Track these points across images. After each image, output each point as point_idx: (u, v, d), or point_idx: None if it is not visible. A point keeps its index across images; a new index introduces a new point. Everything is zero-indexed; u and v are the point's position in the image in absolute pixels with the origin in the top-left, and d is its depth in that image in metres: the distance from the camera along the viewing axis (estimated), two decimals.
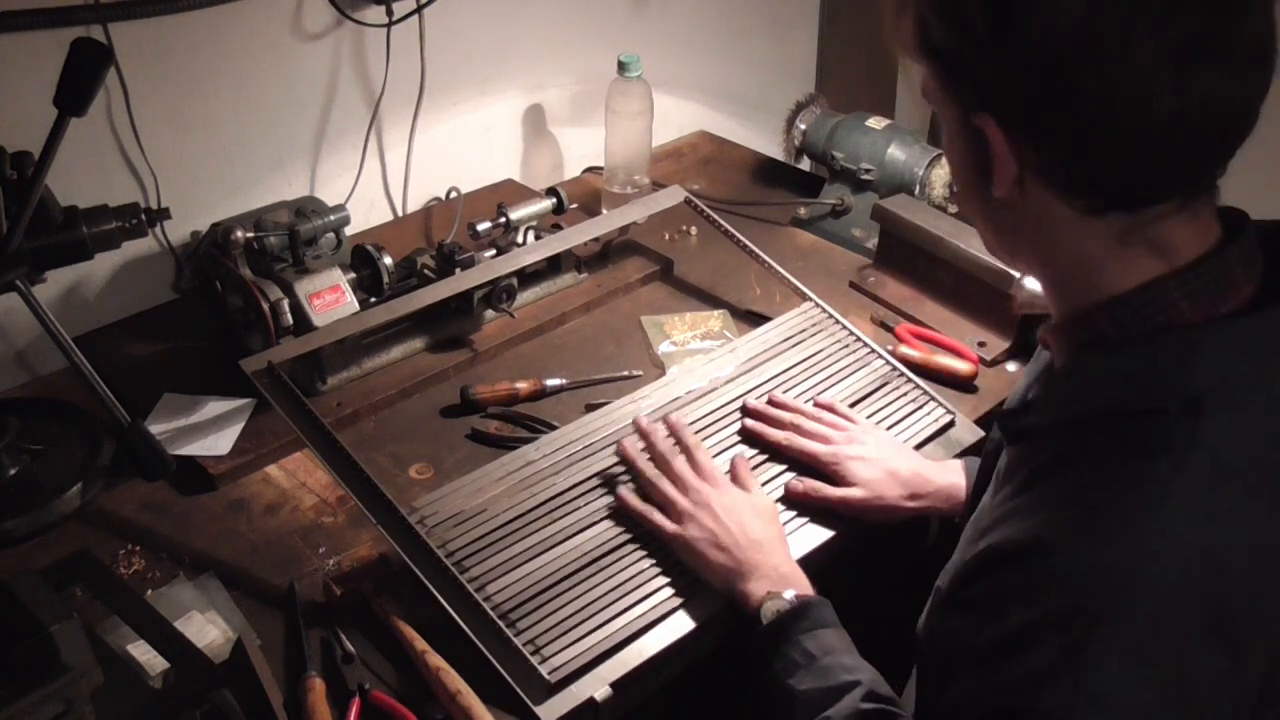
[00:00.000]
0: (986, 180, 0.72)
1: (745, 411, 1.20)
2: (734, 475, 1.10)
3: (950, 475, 1.11)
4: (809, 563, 1.04)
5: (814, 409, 1.20)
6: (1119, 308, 0.71)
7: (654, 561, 1.04)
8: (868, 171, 1.61)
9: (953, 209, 1.55)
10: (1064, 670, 0.65)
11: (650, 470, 1.09)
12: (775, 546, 1.01)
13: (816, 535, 1.10)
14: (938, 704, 0.74)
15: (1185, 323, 0.70)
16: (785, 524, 1.08)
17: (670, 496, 1.05)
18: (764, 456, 1.16)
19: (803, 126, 1.70)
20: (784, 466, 1.15)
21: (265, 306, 1.22)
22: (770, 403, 1.21)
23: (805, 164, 1.81)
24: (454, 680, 0.92)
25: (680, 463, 1.08)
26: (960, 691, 0.71)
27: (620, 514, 1.08)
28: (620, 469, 1.13)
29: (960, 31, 0.67)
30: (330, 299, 1.26)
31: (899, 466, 1.11)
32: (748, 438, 1.18)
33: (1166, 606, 0.64)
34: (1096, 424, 0.71)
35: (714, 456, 1.13)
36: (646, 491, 1.08)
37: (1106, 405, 0.71)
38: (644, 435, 1.12)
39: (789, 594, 0.95)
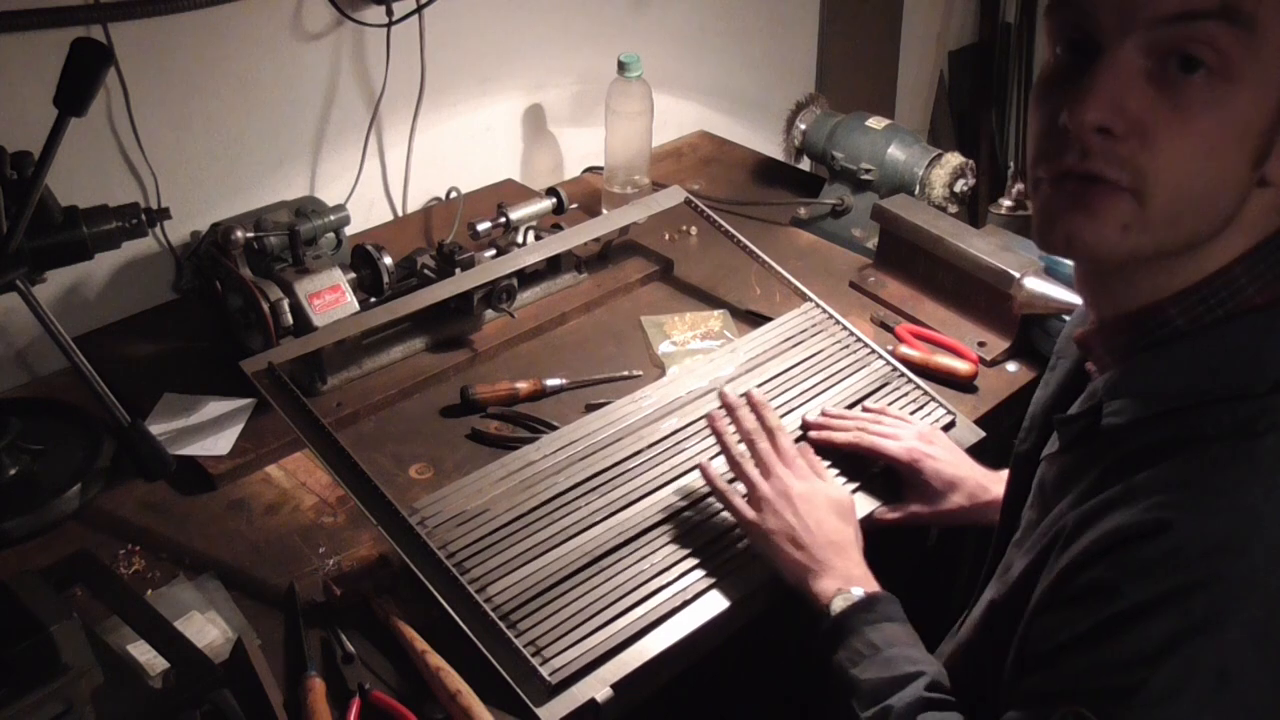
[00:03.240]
0: (1263, 158, 0.67)
1: (805, 427, 1.19)
2: (809, 464, 1.09)
3: (1002, 486, 1.10)
4: None
5: (868, 415, 1.20)
6: (1191, 298, 0.71)
7: (655, 562, 1.04)
8: (868, 171, 1.61)
9: (952, 209, 1.55)
10: (1183, 645, 0.64)
11: (736, 449, 1.08)
12: (850, 547, 1.00)
13: None
14: (1019, 690, 0.73)
15: (1253, 307, 0.70)
16: None
17: (753, 480, 1.04)
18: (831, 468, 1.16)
19: (803, 126, 1.70)
20: (852, 480, 1.15)
21: (265, 306, 1.22)
22: (823, 414, 1.20)
23: (805, 164, 1.81)
24: (454, 680, 0.92)
25: (765, 445, 1.07)
26: (1054, 675, 0.70)
27: (621, 514, 1.08)
28: (616, 472, 1.13)
29: None
30: (330, 299, 1.26)
31: (964, 476, 1.10)
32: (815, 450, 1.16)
33: None
34: (1179, 415, 0.70)
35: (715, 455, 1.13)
36: (731, 466, 1.08)
37: (1189, 395, 0.70)
38: (730, 409, 1.11)
39: (857, 590, 0.95)
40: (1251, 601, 0.64)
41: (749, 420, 1.09)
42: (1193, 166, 0.66)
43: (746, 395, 1.13)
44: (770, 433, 1.08)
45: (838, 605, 0.94)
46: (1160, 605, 0.65)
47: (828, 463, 1.15)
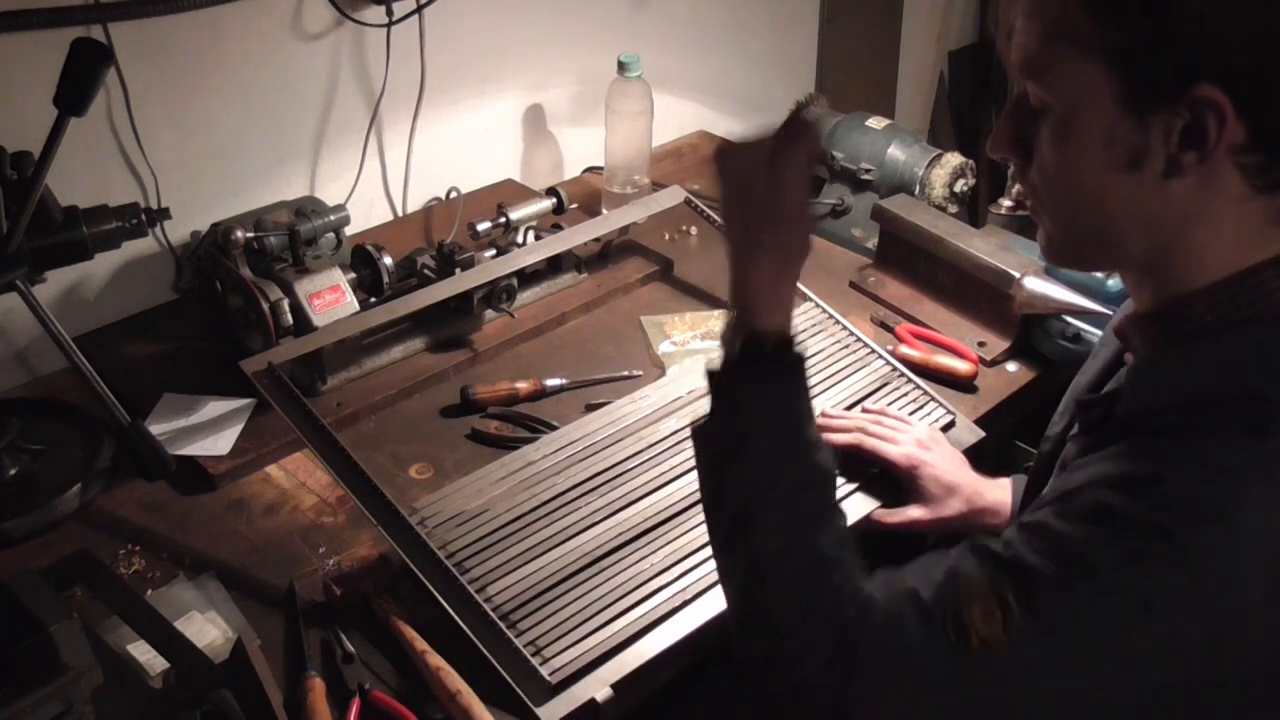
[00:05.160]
0: (1137, 166, 0.69)
1: None
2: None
3: (998, 492, 1.11)
4: None
5: (868, 416, 1.20)
6: (1220, 295, 0.72)
7: (656, 562, 1.04)
8: (868, 171, 1.61)
9: (952, 209, 1.55)
10: (1125, 567, 0.67)
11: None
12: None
13: None
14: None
15: None
16: None
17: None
18: None
19: None
20: (850, 481, 1.15)
21: (265, 306, 1.22)
22: (822, 415, 1.21)
23: None
24: (454, 680, 0.92)
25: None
26: (1009, 535, 0.73)
27: (621, 514, 1.08)
28: (616, 472, 1.13)
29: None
30: (330, 299, 1.26)
31: (961, 481, 1.12)
32: None
33: (1261, 563, 0.66)
34: (1192, 409, 0.71)
35: None
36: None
37: (1205, 392, 0.71)
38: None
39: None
40: (1208, 575, 0.66)
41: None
42: (1060, 179, 0.74)
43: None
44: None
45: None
46: (1126, 529, 0.68)
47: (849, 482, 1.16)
